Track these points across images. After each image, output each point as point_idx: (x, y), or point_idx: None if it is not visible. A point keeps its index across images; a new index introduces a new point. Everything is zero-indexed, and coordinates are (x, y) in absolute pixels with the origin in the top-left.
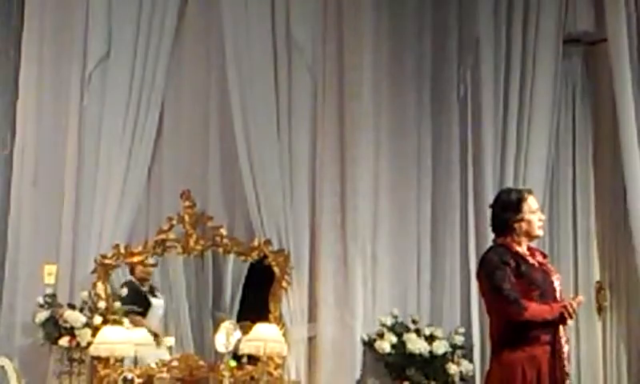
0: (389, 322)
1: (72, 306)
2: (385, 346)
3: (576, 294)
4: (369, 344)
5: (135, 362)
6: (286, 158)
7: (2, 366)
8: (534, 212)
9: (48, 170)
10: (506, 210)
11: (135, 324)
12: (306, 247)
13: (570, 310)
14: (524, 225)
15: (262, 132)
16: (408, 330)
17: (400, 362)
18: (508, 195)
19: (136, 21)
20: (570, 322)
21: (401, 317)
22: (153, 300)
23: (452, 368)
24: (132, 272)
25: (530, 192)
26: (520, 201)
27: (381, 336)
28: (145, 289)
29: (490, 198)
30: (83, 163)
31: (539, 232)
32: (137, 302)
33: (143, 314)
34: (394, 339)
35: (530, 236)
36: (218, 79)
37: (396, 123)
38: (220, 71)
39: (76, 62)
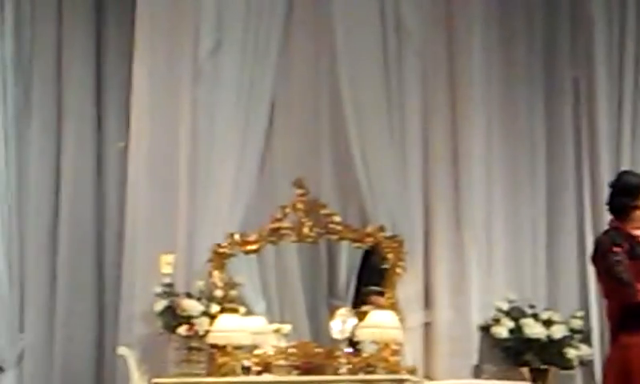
0: (505, 307)
1: (189, 295)
2: (501, 331)
3: None
4: (485, 329)
5: (253, 349)
6: (397, 143)
7: (123, 356)
8: None
9: (162, 161)
10: (625, 194)
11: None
12: (420, 233)
13: None
14: (639, 213)
15: (373, 118)
16: (525, 314)
17: (517, 348)
18: (629, 178)
19: (246, 11)
20: None
21: (517, 301)
22: None
23: (570, 352)
24: None
25: None
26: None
27: (497, 321)
28: None
29: (605, 179)
30: (197, 154)
31: None
32: None
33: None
34: (511, 324)
35: None
36: (328, 66)
37: (508, 106)
38: (330, 58)
39: (187, 54)
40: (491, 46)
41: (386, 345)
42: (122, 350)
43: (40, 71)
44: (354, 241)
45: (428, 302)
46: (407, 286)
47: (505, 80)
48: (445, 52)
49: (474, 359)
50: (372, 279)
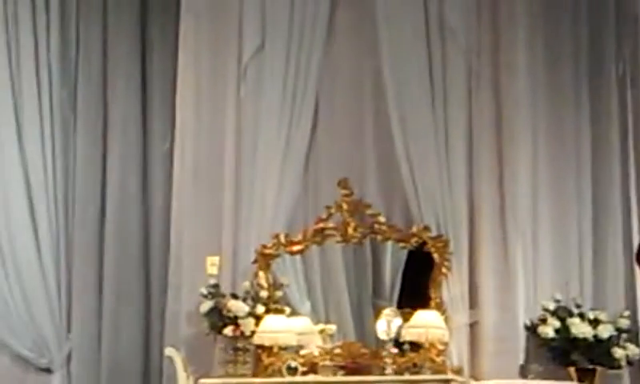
0: (551, 306)
1: (235, 296)
2: (548, 330)
3: None
4: (531, 329)
5: (298, 349)
6: (442, 143)
7: (170, 357)
8: None
9: (207, 162)
10: None
11: None
12: (465, 232)
13: None
14: None
15: (418, 117)
16: (571, 314)
17: (564, 347)
18: None
19: (289, 10)
20: None
21: (563, 301)
22: None
23: (618, 352)
24: None
25: None
26: None
27: (543, 321)
28: None
29: None
30: (241, 154)
31: None
32: None
33: None
34: (558, 324)
35: None
36: (372, 66)
37: (553, 104)
38: (374, 58)
39: (232, 54)
40: (536, 42)
41: (432, 345)
42: (169, 351)
43: (85, 74)
44: (399, 241)
45: (473, 301)
46: (452, 285)
47: (550, 77)
48: (490, 48)
49: (521, 359)
50: (417, 279)
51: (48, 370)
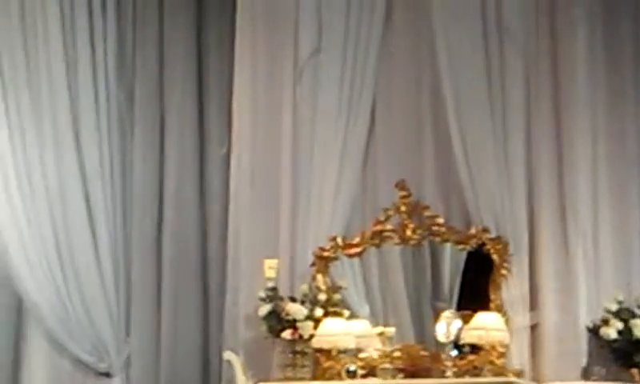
0: (613, 307)
1: (293, 299)
2: (610, 332)
3: None
4: (593, 331)
5: (357, 352)
6: (500, 143)
7: (229, 360)
8: None
9: (264, 166)
10: None
11: None
12: (525, 233)
13: None
14: None
15: (476, 118)
16: (634, 315)
17: (626, 349)
18: None
19: (345, 12)
20: None
21: (626, 302)
22: None
23: None
24: None
25: None
26: None
27: (606, 322)
28: None
29: None
30: (298, 158)
31: None
32: None
33: None
34: (620, 325)
35: None
36: (429, 68)
37: (613, 105)
38: (431, 60)
39: (288, 56)
40: (596, 42)
41: (492, 347)
42: (228, 355)
43: (142, 78)
44: (458, 242)
45: (534, 303)
46: (512, 287)
47: (610, 77)
48: (548, 50)
49: (583, 361)
50: (477, 281)
51: (107, 375)
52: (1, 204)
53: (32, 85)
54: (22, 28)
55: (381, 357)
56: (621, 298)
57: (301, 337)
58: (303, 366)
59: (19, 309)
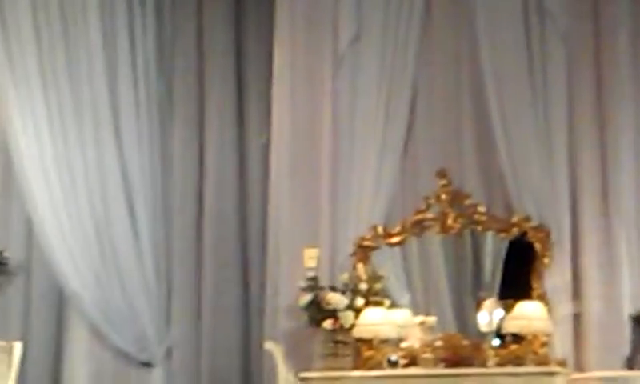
0: None
1: (334, 289)
2: None
3: None
4: (637, 320)
5: (399, 342)
6: (542, 131)
7: (270, 350)
8: None
9: (304, 155)
10: None
11: None
12: (567, 221)
13: None
14: None
15: (517, 105)
16: None
17: None
18: None
19: (385, 0)
20: None
21: None
22: None
23: None
24: None
25: None
26: None
27: None
28: None
29: None
30: (338, 146)
31: None
32: None
33: None
34: None
35: None
36: (470, 55)
37: None
38: (471, 44)
39: (327, 45)
40: (638, 24)
41: (535, 336)
42: (269, 345)
43: (181, 67)
44: (500, 231)
45: (577, 292)
46: (555, 276)
47: None
48: (590, 32)
49: (627, 350)
50: (518, 270)
51: (149, 365)
52: (43, 198)
53: (73, 82)
54: (63, 26)
55: (422, 346)
56: None
57: (342, 326)
58: (344, 356)
59: (61, 300)
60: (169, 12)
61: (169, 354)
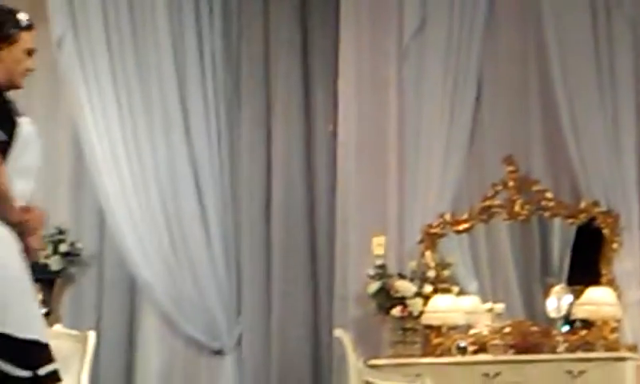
0: None
1: (402, 276)
2: None
3: None
4: None
5: (468, 329)
6: (609, 116)
7: (339, 338)
8: None
9: (371, 143)
10: None
11: None
12: (636, 206)
13: None
14: None
15: (583, 90)
16: None
17: None
18: None
19: None
20: None
21: None
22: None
23: None
24: None
25: None
26: None
27: None
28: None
29: None
30: (405, 134)
31: None
32: None
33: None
34: None
35: None
36: (536, 39)
37: None
38: (537, 31)
39: (392, 34)
40: None
41: (605, 322)
42: (338, 332)
43: (248, 60)
44: (568, 217)
45: None
46: (624, 261)
47: None
48: None
49: None
50: (587, 255)
51: (220, 353)
52: (114, 190)
53: (142, 76)
54: (132, 26)
55: (491, 333)
56: None
57: (410, 314)
58: (413, 343)
59: (133, 289)
60: (235, 11)
61: (239, 342)
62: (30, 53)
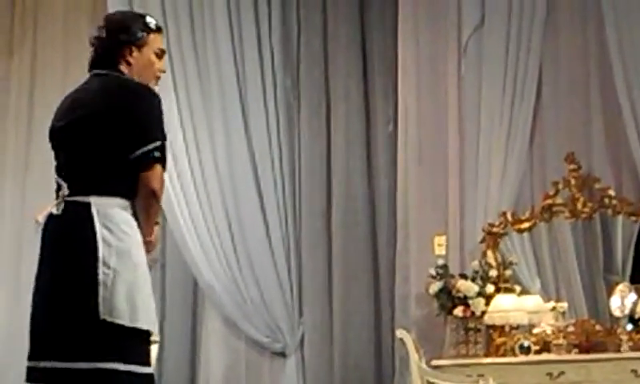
0: None
1: (463, 276)
2: None
3: None
4: None
5: (530, 328)
6: None
7: (401, 338)
8: None
9: (431, 142)
10: None
11: None
12: None
13: None
14: None
15: None
16: None
17: None
18: None
19: None
20: None
21: None
22: None
23: None
24: None
25: None
26: None
27: None
28: None
29: None
30: (465, 133)
31: None
32: None
33: None
34: None
35: None
36: (597, 37)
37: None
38: (598, 27)
39: (451, 32)
40: None
41: None
42: (400, 333)
43: (307, 60)
44: (630, 214)
45: None
46: None
47: None
48: None
49: None
50: None
51: (282, 354)
52: (175, 191)
53: (202, 76)
54: (190, 22)
55: (554, 332)
56: None
57: (473, 314)
58: (476, 343)
59: (195, 291)
60: (294, 8)
61: (302, 343)
62: (159, 55)
